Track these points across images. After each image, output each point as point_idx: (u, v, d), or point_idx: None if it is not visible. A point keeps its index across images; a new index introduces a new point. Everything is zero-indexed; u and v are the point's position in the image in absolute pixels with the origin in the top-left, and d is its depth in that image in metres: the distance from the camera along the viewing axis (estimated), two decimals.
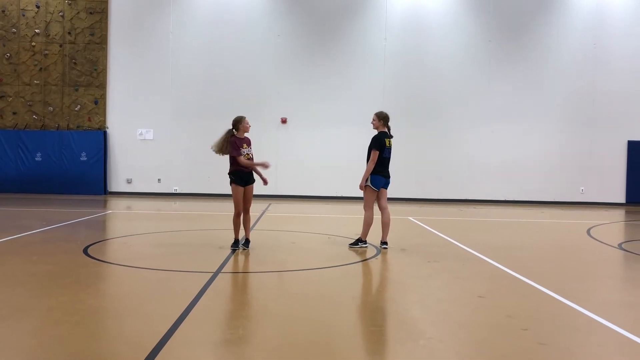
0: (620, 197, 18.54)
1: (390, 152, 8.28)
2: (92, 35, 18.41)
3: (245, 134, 7.95)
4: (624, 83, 18.37)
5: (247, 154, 7.81)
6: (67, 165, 18.21)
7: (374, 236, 8.67)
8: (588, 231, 11.14)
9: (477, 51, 18.47)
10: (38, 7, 18.38)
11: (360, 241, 8.36)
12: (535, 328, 4.53)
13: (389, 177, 8.33)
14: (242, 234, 8.03)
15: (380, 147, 8.11)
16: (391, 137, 8.34)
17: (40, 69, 18.43)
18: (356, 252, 8.05)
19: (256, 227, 10.61)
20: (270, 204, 15.81)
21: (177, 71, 18.39)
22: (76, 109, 18.47)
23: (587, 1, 18.47)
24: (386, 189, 8.37)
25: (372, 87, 18.32)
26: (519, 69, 18.48)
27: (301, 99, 18.38)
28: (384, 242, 8.31)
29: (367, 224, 8.32)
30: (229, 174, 7.88)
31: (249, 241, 8.01)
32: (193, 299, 5.15)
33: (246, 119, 7.95)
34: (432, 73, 18.44)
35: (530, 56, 18.49)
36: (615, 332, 4.47)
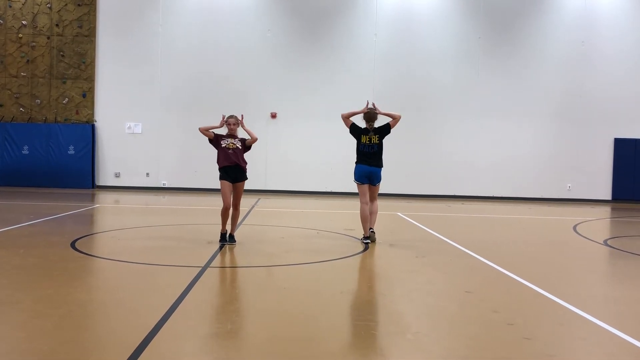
0: (607, 194, 18.73)
1: (368, 147, 8.28)
2: (80, 27, 18.23)
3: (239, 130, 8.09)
4: (611, 80, 18.52)
5: (231, 143, 7.87)
6: (55, 158, 18.05)
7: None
8: (574, 227, 11.25)
9: (467, 47, 18.54)
10: None
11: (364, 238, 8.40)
12: (520, 323, 4.58)
13: (373, 169, 8.23)
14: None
15: (356, 136, 8.42)
16: (373, 133, 8.32)
17: (28, 60, 18.23)
18: (345, 246, 8.07)
19: (245, 221, 10.61)
20: (259, 199, 15.81)
21: (166, 64, 18.28)
22: (64, 101, 18.31)
23: None
24: (374, 185, 8.32)
25: (362, 82, 18.30)
26: (508, 66, 18.57)
27: (291, 93, 18.35)
28: (370, 229, 8.34)
29: (361, 218, 8.39)
30: (219, 169, 7.93)
31: (233, 237, 7.99)
32: (181, 293, 5.15)
33: (231, 118, 8.00)
34: (422, 69, 18.48)
35: (519, 53, 18.58)
36: (599, 327, 4.53)
